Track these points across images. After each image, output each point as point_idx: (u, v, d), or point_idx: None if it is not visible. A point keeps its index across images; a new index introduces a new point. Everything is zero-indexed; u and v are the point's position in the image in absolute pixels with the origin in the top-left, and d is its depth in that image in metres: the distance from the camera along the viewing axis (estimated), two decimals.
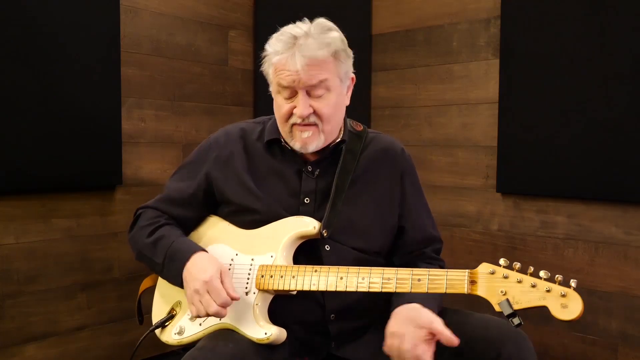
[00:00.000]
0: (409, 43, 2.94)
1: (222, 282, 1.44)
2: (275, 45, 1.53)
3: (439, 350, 1.47)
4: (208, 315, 1.44)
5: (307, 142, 1.54)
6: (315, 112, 1.52)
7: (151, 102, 2.62)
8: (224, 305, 1.43)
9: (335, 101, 1.55)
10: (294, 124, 1.54)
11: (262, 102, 2.96)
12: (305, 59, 1.47)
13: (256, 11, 2.96)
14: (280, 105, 1.55)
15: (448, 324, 1.48)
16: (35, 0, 2.21)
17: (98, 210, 2.47)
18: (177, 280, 1.54)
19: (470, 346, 1.42)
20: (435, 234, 1.70)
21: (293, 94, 1.52)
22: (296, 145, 1.56)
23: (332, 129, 1.58)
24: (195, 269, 1.48)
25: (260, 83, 2.94)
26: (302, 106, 1.50)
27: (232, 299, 1.43)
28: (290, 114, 1.53)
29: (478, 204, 2.73)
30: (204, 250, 1.56)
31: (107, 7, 2.42)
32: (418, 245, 1.65)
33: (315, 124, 1.53)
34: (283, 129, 1.58)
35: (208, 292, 1.43)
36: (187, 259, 1.51)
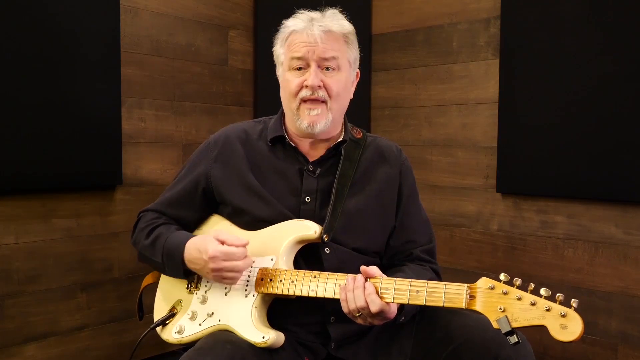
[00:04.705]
0: (409, 43, 2.95)
1: (223, 243, 1.47)
2: (292, 21, 1.60)
3: (437, 351, 1.47)
4: (241, 273, 1.49)
5: (316, 120, 1.55)
6: (324, 87, 1.55)
7: (151, 102, 2.62)
8: (244, 257, 1.47)
9: (344, 82, 1.59)
10: (302, 100, 1.55)
11: (262, 102, 2.96)
12: (322, 28, 1.54)
13: (256, 11, 2.97)
14: (290, 81, 1.57)
15: (446, 324, 1.49)
16: (35, 0, 2.21)
17: (98, 210, 2.47)
18: (179, 275, 1.57)
19: (468, 348, 1.42)
20: (424, 236, 1.68)
21: (305, 68, 1.55)
22: (303, 123, 1.56)
23: (338, 109, 1.60)
24: (195, 255, 1.50)
25: (260, 83, 2.95)
26: (313, 76, 1.53)
27: (244, 245, 1.47)
28: (300, 88, 1.55)
29: (478, 204, 2.73)
30: (193, 236, 1.57)
31: (107, 7, 2.42)
32: (405, 246, 1.65)
33: (323, 102, 1.55)
34: (291, 107, 1.58)
35: (223, 260, 1.45)
36: (182, 251, 1.53)
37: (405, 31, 2.95)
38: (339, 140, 1.64)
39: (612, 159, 2.29)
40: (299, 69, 1.56)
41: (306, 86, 1.54)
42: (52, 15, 2.25)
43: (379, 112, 3.07)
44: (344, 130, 1.67)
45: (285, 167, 1.62)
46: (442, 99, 2.83)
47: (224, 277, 1.48)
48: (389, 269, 1.57)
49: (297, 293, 1.46)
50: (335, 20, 1.58)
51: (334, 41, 1.55)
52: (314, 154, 1.63)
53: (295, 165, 1.62)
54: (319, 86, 1.54)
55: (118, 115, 2.47)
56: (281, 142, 1.64)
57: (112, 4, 2.43)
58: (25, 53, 2.19)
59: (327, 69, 1.56)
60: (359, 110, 2.91)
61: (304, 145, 1.63)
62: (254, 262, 1.53)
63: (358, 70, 1.67)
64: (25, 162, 2.21)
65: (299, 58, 1.55)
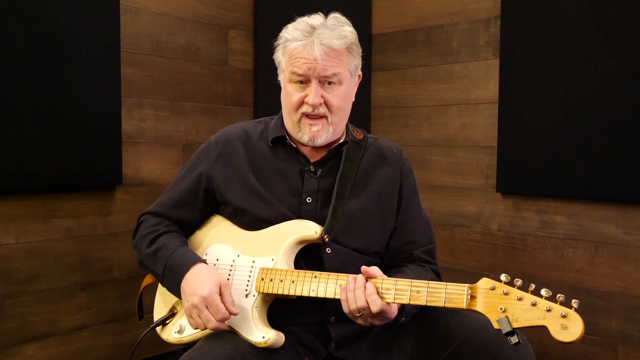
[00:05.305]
0: (409, 43, 2.95)
1: (221, 295, 1.44)
2: (292, 32, 1.56)
3: (437, 351, 1.47)
4: (206, 329, 1.45)
5: (316, 135, 1.56)
6: (325, 103, 1.54)
7: (151, 102, 2.62)
8: (223, 321, 1.43)
9: (345, 94, 1.58)
10: (303, 114, 1.55)
11: (262, 102, 2.96)
12: (324, 47, 1.51)
13: (256, 11, 2.96)
14: (291, 94, 1.56)
15: (446, 324, 1.49)
16: (35, 0, 2.20)
17: (98, 210, 2.47)
18: (176, 292, 1.54)
19: (469, 348, 1.42)
20: (424, 236, 1.68)
21: (305, 83, 1.54)
22: (304, 138, 1.57)
23: (339, 121, 1.60)
24: (194, 282, 1.47)
25: (260, 83, 2.95)
26: (314, 94, 1.52)
27: (231, 314, 1.44)
28: (301, 103, 1.55)
29: (478, 204, 2.73)
30: (203, 261, 1.55)
31: (107, 7, 2.42)
32: (405, 247, 1.64)
33: (324, 116, 1.55)
34: (291, 119, 1.58)
35: (207, 307, 1.43)
36: (185, 271, 1.51)
37: (405, 31, 2.95)
38: (340, 141, 1.64)
39: (612, 159, 2.29)
40: (300, 82, 1.55)
41: (307, 102, 1.54)
42: (52, 15, 2.25)
43: (379, 112, 3.07)
44: (345, 131, 1.67)
45: (286, 168, 1.62)
46: (442, 99, 2.84)
47: (192, 317, 1.46)
48: (389, 270, 1.57)
49: (298, 293, 1.46)
50: (337, 31, 1.54)
51: (335, 57, 1.53)
52: (315, 154, 1.63)
53: (296, 165, 1.62)
54: (320, 103, 1.53)
55: (118, 115, 2.47)
56: (282, 143, 1.64)
57: (112, 4, 2.43)
58: (25, 53, 2.19)
59: (329, 83, 1.54)
60: (359, 110, 2.89)
61: (305, 147, 1.63)
62: (254, 262, 1.53)
63: (360, 73, 1.66)
64: (25, 162, 2.21)
65: (299, 74, 1.54)
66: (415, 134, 2.94)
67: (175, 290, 1.54)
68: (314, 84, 1.53)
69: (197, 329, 1.48)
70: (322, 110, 1.54)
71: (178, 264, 1.53)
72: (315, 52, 1.50)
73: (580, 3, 2.35)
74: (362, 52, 1.66)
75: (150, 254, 1.60)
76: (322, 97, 1.53)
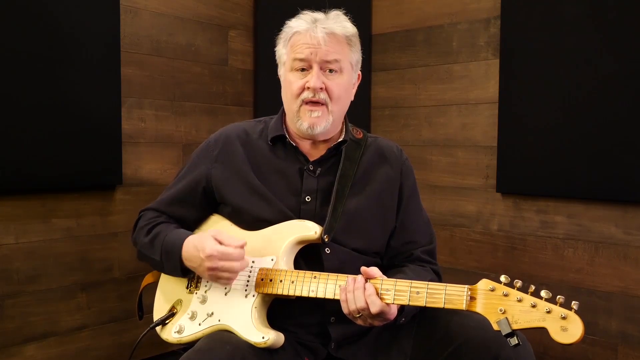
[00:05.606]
0: (409, 43, 2.95)
1: (221, 243, 1.47)
2: (295, 22, 1.60)
3: (437, 351, 1.47)
4: (237, 274, 1.48)
5: (316, 122, 1.56)
6: (326, 89, 1.55)
7: (151, 102, 2.62)
8: (241, 259, 1.46)
9: (346, 84, 1.59)
10: (303, 102, 1.56)
11: (262, 102, 2.96)
12: (326, 30, 1.54)
13: (256, 11, 2.96)
14: (292, 82, 1.57)
15: (446, 324, 1.49)
16: (35, 0, 2.20)
17: (98, 210, 2.47)
18: (177, 273, 1.57)
19: (468, 348, 1.42)
20: (425, 236, 1.68)
21: (307, 70, 1.56)
22: (304, 125, 1.57)
23: (339, 112, 1.61)
24: (193, 253, 1.50)
25: (260, 83, 2.95)
26: (315, 78, 1.54)
27: (242, 247, 1.47)
28: (302, 90, 1.55)
29: (478, 204, 2.73)
30: (191, 233, 1.58)
31: (107, 7, 2.41)
32: (405, 247, 1.65)
33: (324, 104, 1.56)
34: (292, 108, 1.59)
35: (219, 260, 1.45)
36: (180, 250, 1.54)
37: (405, 31, 2.95)
38: (339, 140, 1.64)
39: (612, 159, 2.29)
40: (302, 70, 1.56)
41: (308, 88, 1.54)
42: (52, 15, 2.25)
43: (379, 112, 3.07)
44: (344, 130, 1.67)
45: (285, 167, 1.62)
46: (442, 99, 2.83)
47: (219, 277, 1.48)
48: (389, 270, 1.57)
49: (297, 293, 1.46)
50: (339, 22, 1.58)
51: (337, 44, 1.55)
52: (315, 153, 1.63)
53: (296, 164, 1.62)
54: (321, 88, 1.54)
55: (118, 115, 2.47)
56: (282, 142, 1.65)
57: (112, 4, 2.43)
58: (25, 53, 2.18)
59: (330, 71, 1.56)
60: (359, 110, 2.91)
61: (305, 145, 1.64)
62: (253, 262, 1.54)
63: (360, 73, 1.67)
64: (25, 162, 2.20)
65: (301, 59, 1.55)
66: (415, 134, 2.94)
67: (176, 272, 1.57)
68: (315, 69, 1.54)
69: (228, 284, 1.51)
70: (323, 96, 1.55)
71: (172, 246, 1.56)
72: (318, 34, 1.53)
73: (580, 3, 2.35)
74: (362, 52, 1.67)
75: (148, 242, 1.62)
76: (323, 83, 1.55)
